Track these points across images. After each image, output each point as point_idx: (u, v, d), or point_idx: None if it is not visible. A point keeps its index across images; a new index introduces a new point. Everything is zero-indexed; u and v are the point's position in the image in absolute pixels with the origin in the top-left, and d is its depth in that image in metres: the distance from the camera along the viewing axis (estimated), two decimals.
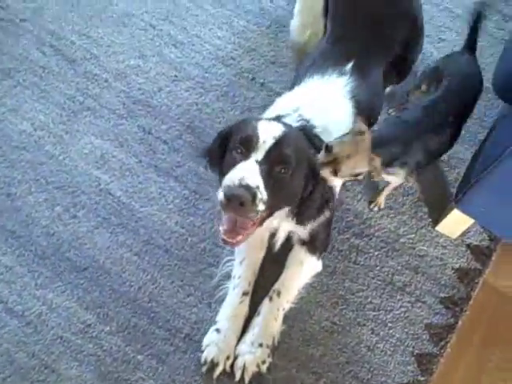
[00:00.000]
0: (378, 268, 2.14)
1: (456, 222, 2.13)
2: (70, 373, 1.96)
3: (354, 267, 2.14)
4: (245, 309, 2.00)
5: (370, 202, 2.24)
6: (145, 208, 2.22)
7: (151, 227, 2.18)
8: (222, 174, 1.69)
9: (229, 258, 2.10)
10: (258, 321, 1.98)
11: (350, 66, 2.01)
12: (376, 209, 2.23)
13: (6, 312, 2.04)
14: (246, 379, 1.91)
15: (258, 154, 1.63)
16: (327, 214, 1.89)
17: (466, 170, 2.11)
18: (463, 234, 2.19)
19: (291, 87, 2.10)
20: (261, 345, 1.94)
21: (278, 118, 1.84)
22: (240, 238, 1.68)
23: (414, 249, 2.17)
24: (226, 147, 1.75)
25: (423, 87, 2.11)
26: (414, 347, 2.03)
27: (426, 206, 2.24)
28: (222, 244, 1.76)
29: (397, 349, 2.03)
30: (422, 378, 1.99)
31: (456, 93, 1.96)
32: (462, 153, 2.31)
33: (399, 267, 2.15)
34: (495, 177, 1.73)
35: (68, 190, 2.23)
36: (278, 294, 2.00)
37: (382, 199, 2.21)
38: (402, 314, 2.07)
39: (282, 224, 1.96)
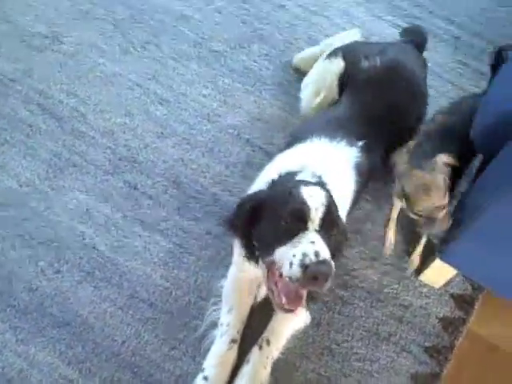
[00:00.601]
0: (362, 318, 2.13)
1: (439, 272, 2.13)
2: None
3: (338, 318, 2.13)
4: (233, 356, 1.98)
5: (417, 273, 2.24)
6: (129, 262, 2.21)
7: (135, 281, 2.18)
8: (262, 241, 1.74)
9: (214, 307, 2.08)
10: (247, 369, 1.96)
11: (360, 143, 2.07)
12: (412, 270, 2.23)
13: None
14: None
15: (315, 224, 1.66)
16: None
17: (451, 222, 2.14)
18: (446, 283, 2.19)
19: (288, 145, 2.12)
20: None
21: (292, 175, 1.86)
22: (301, 304, 1.71)
23: (398, 299, 2.17)
24: (257, 217, 1.76)
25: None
26: None
27: (409, 256, 2.24)
28: (278, 309, 1.73)
29: None
30: None
31: None
32: None
33: (384, 317, 2.14)
34: (478, 228, 1.75)
35: (52, 245, 2.24)
36: (268, 342, 1.99)
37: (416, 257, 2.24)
38: (388, 364, 2.06)
39: None
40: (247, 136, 2.52)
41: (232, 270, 2.11)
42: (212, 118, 2.56)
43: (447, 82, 2.69)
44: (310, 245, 1.61)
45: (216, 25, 2.81)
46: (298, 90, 2.56)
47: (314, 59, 2.54)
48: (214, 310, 2.08)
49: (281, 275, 1.65)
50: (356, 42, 2.49)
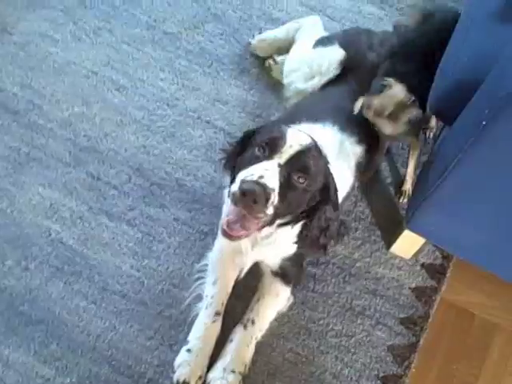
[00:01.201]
0: (336, 294, 2.15)
1: (408, 243, 2.16)
2: None
3: (312, 296, 2.14)
4: (217, 329, 2.00)
5: (399, 197, 2.27)
6: (98, 254, 2.19)
7: (106, 273, 2.15)
8: (238, 169, 1.68)
9: (199, 281, 2.09)
10: (230, 347, 1.97)
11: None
12: (406, 200, 2.24)
13: None
14: None
15: (282, 158, 1.63)
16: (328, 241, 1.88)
17: (413, 191, 2.16)
18: (417, 253, 2.22)
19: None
20: (233, 371, 1.93)
21: None
22: (241, 233, 1.66)
23: (370, 272, 2.19)
24: (247, 146, 1.74)
25: None
26: (378, 370, 2.04)
27: (379, 229, 2.26)
28: (222, 234, 1.69)
29: (362, 374, 2.04)
30: None
31: None
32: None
33: (357, 292, 2.16)
34: (440, 195, 1.76)
35: (18, 242, 2.19)
36: (253, 322, 2.00)
37: (408, 186, 2.23)
38: (364, 338, 2.08)
39: (255, 250, 1.95)
40: (208, 118, 2.49)
41: (218, 241, 2.11)
42: (171, 102, 2.52)
43: None
44: (262, 169, 1.59)
45: (168, 6, 2.75)
46: (256, 67, 2.59)
47: (275, 45, 2.55)
48: (200, 284, 2.08)
49: None
50: (352, 30, 2.45)
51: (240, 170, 1.65)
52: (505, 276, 2.00)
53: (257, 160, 1.64)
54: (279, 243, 1.90)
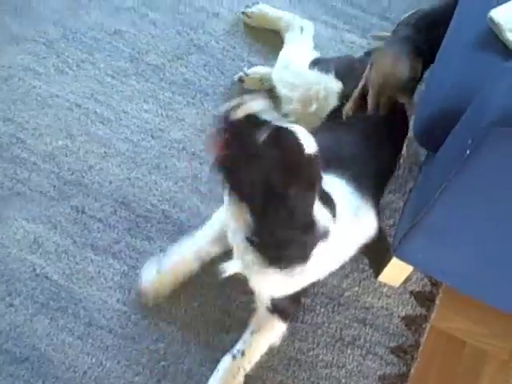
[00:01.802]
0: (325, 325, 2.13)
1: (397, 271, 2.15)
2: None
3: (301, 326, 2.12)
4: (190, 265, 2.10)
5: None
6: (84, 289, 2.16)
7: (92, 308, 2.13)
8: None
9: None
10: (216, 377, 1.94)
11: None
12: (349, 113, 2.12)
13: None
14: None
15: None
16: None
17: (399, 218, 2.15)
18: (405, 281, 2.20)
19: None
20: None
21: None
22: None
23: (359, 301, 2.18)
24: None
25: None
26: None
27: (366, 258, 2.25)
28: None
29: None
30: None
31: None
32: (395, 202, 2.34)
33: (347, 321, 2.14)
34: (426, 222, 1.75)
35: (2, 278, 2.16)
36: (242, 353, 1.96)
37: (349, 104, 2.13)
38: (355, 369, 2.06)
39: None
40: (193, 149, 2.48)
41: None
42: (155, 133, 2.51)
43: None
44: None
45: (152, 38, 2.75)
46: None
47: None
48: None
49: None
50: (345, 60, 2.38)
51: None
52: (494, 303, 1.99)
53: None
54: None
